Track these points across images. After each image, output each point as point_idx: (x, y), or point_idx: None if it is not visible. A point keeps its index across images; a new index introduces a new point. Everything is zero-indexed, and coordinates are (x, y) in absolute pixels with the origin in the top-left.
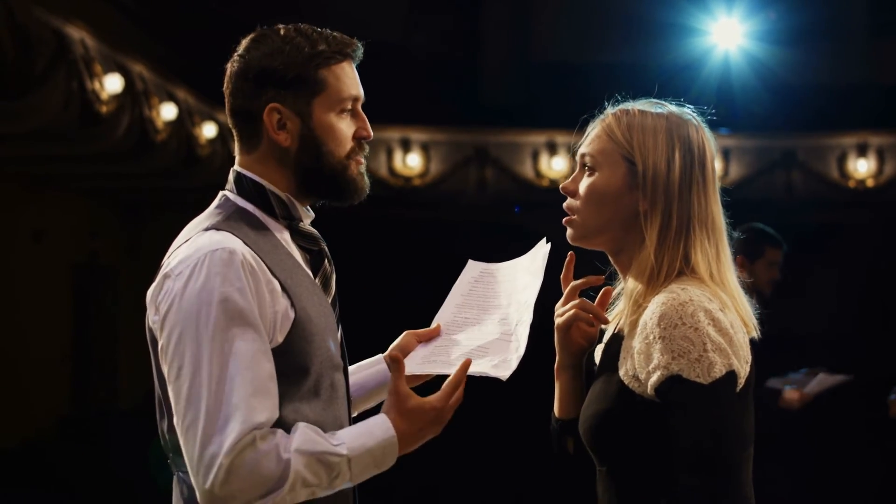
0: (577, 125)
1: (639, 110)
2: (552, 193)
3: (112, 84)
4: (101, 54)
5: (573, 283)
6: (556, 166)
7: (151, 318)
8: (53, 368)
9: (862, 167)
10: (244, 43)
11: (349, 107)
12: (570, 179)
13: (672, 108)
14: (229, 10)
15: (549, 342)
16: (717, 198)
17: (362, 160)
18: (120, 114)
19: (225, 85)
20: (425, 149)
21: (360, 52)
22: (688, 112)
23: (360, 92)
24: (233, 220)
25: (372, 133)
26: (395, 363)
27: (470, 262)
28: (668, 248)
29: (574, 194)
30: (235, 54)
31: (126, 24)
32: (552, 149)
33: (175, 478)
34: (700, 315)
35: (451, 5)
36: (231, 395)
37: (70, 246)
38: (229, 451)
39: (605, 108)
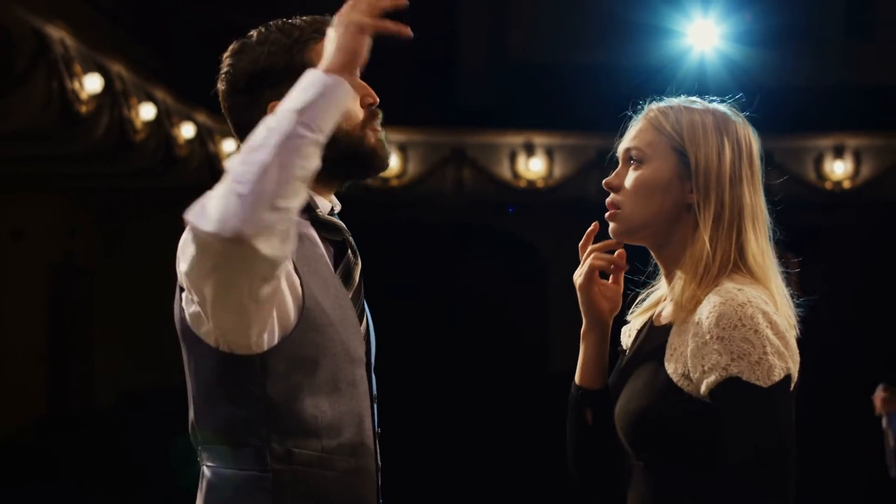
0: (620, 128)
1: (683, 106)
2: (530, 194)
3: (92, 84)
4: (81, 54)
5: (591, 246)
6: (533, 167)
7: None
8: (30, 368)
9: (839, 169)
10: (225, 59)
11: None
12: (613, 175)
13: (711, 105)
14: (207, 11)
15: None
16: (762, 192)
17: (378, 128)
18: (99, 114)
19: (222, 106)
20: (403, 149)
21: None
22: (731, 108)
23: None
24: None
25: (377, 98)
26: None
27: None
28: (720, 240)
29: (618, 189)
30: (221, 73)
31: (105, 24)
32: (530, 150)
33: (202, 471)
34: (759, 317)
35: (428, 5)
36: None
37: (47, 246)
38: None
39: (640, 107)
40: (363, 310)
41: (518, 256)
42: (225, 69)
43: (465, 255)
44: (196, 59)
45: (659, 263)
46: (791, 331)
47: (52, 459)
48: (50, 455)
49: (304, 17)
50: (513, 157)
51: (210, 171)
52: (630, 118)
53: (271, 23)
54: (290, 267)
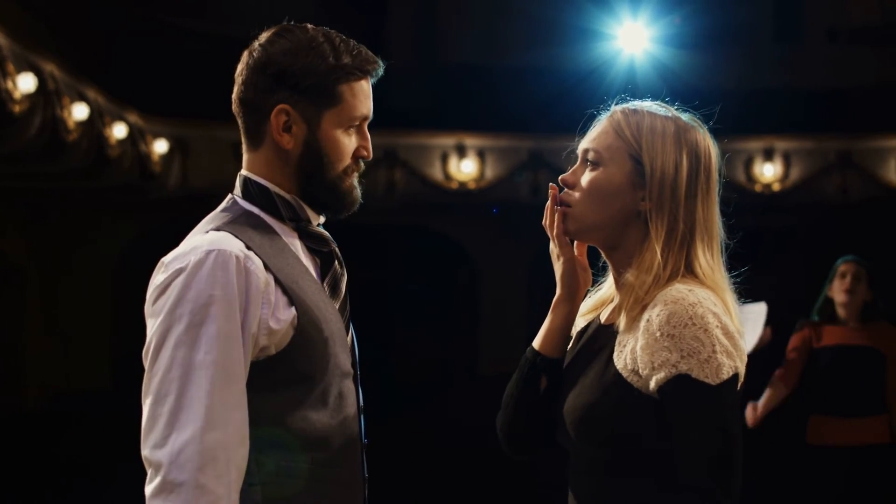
0: (579, 126)
1: (647, 111)
2: (461, 196)
3: (25, 83)
4: (14, 53)
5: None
6: (465, 168)
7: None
8: None
9: (768, 171)
10: (266, 34)
11: (357, 124)
12: (569, 171)
13: (678, 112)
14: (139, 11)
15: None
16: (717, 206)
17: (355, 176)
18: (32, 113)
19: (238, 71)
20: None
21: (380, 72)
22: (694, 118)
23: (371, 112)
24: (238, 222)
25: (372, 153)
26: None
27: None
28: (672, 251)
29: (573, 186)
30: (256, 43)
31: (37, 23)
32: (461, 151)
33: None
34: (709, 317)
35: (356, 6)
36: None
37: None
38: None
39: (608, 107)
40: (349, 321)
41: (449, 257)
42: (262, 42)
43: (396, 256)
44: (127, 58)
45: (609, 264)
46: (739, 334)
47: None
48: None
49: (361, 47)
50: (444, 159)
51: (141, 172)
52: (595, 117)
53: (330, 31)
54: (279, 291)
